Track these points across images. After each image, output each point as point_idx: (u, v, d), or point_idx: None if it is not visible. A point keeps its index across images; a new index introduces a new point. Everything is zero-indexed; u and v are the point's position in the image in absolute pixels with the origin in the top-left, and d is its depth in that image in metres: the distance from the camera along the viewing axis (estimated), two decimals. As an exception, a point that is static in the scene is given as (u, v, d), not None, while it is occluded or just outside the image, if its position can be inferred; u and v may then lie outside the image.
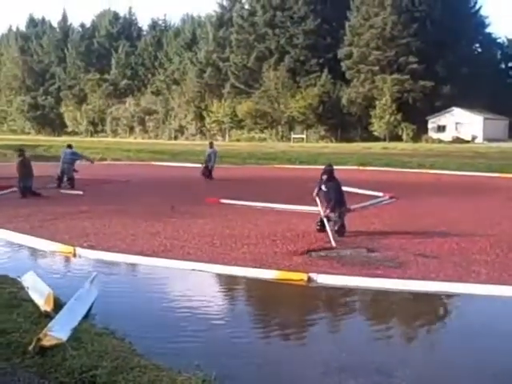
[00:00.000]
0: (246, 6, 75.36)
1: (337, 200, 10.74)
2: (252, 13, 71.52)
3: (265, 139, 66.51)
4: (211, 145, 24.66)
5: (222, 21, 75.92)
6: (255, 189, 19.70)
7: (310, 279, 7.76)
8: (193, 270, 8.41)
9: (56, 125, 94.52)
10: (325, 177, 11.03)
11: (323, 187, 10.98)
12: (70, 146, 21.04)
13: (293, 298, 7.82)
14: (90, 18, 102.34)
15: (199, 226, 11.86)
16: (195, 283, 8.19)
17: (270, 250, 9.50)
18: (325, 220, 10.56)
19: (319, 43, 66.54)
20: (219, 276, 8.46)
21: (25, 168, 17.25)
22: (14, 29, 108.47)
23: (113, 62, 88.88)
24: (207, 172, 23.23)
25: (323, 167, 11.51)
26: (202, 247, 9.79)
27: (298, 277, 7.81)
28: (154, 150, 46.83)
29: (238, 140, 67.37)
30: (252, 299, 7.98)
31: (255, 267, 8.31)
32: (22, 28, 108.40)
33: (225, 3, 78.48)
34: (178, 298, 7.42)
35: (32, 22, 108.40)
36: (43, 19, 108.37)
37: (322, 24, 66.22)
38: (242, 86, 70.41)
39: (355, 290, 7.67)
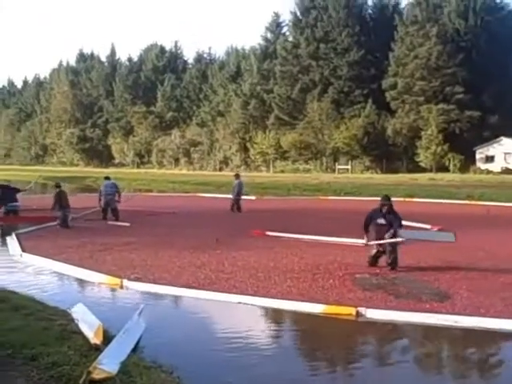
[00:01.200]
0: (290, 39, 76.10)
1: (395, 232, 10.53)
2: (296, 45, 72.13)
3: (309, 170, 66.42)
4: (237, 176, 24.54)
5: (266, 53, 76.77)
6: (300, 221, 19.62)
7: (358, 314, 7.65)
8: (239, 302, 8.39)
9: (104, 156, 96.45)
10: (385, 209, 10.81)
11: (381, 220, 10.72)
12: (108, 178, 21.19)
13: (340, 332, 7.70)
14: (138, 52, 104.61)
15: (244, 259, 11.85)
16: (242, 317, 8.16)
17: (316, 284, 9.42)
18: (388, 241, 10.32)
19: (363, 74, 66.57)
20: (266, 309, 8.42)
21: (61, 200, 17.73)
22: (65, 63, 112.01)
23: (159, 94, 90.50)
24: (234, 204, 23.03)
25: (380, 199, 11.27)
26: (247, 280, 9.77)
27: (346, 311, 7.71)
28: (199, 182, 47.25)
29: (282, 171, 67.45)
30: (299, 333, 7.88)
31: (302, 301, 8.24)
32: (72, 63, 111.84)
33: (269, 36, 79.50)
34: (225, 331, 7.39)
35: (82, 57, 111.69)
36: (92, 54, 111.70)
37: (366, 55, 66.32)
38: (286, 118, 70.71)
39: (404, 325, 7.52)
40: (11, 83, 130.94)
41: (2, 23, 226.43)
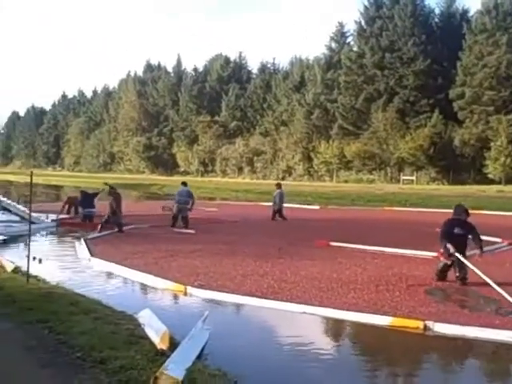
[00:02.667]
0: (355, 48, 75.46)
1: (466, 245, 10.25)
2: (360, 55, 71.51)
3: (373, 180, 65.63)
4: (279, 186, 24.56)
5: (330, 63, 76.40)
6: (364, 231, 19.39)
7: (426, 327, 7.48)
8: (303, 312, 8.34)
9: (169, 165, 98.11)
10: (463, 218, 10.54)
11: (458, 230, 10.44)
12: (185, 184, 21.30)
13: (407, 346, 7.53)
14: (203, 63, 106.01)
15: (307, 269, 11.80)
16: (306, 327, 8.11)
17: (381, 296, 9.27)
18: (461, 257, 10.03)
19: (429, 84, 65.29)
20: (330, 320, 8.34)
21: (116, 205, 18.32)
22: (133, 74, 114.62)
23: (223, 104, 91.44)
24: (275, 214, 23.20)
25: (454, 208, 10.99)
26: (309, 290, 9.71)
27: (414, 324, 7.55)
28: (262, 191, 47.40)
29: (346, 181, 66.91)
30: (364, 346, 7.75)
31: (368, 312, 8.12)
32: (140, 73, 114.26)
33: (333, 45, 79.12)
34: (288, 341, 7.35)
35: (149, 68, 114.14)
36: (159, 64, 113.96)
37: (433, 64, 65.03)
38: (350, 127, 70.14)
39: (473, 341, 7.29)
40: (81, 93, 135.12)
41: (75, 37, 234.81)
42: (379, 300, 8.97)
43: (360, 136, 68.44)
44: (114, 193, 18.98)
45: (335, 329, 8.29)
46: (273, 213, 23.31)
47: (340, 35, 79.12)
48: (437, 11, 71.84)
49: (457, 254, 10.05)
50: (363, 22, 73.60)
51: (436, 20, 71.87)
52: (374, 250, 14.50)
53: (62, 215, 22.07)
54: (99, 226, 18.10)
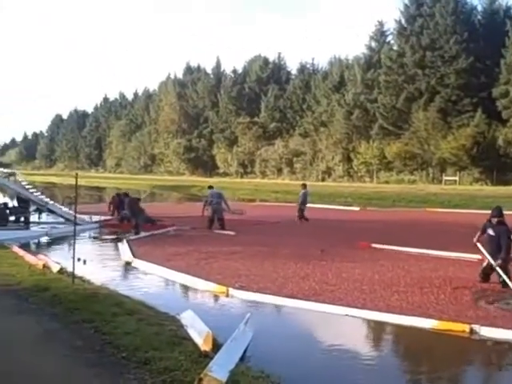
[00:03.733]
0: (395, 47, 74.55)
1: (508, 247, 10.06)
2: (401, 54, 70.64)
3: (415, 181, 64.74)
4: (304, 186, 24.45)
5: (370, 63, 75.67)
6: (407, 233, 19.16)
7: (472, 331, 7.34)
8: (346, 315, 8.29)
9: (208, 166, 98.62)
10: (495, 220, 10.37)
11: (490, 231, 10.30)
12: (211, 187, 21.54)
13: (452, 350, 7.41)
14: (242, 64, 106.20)
15: (348, 271, 11.73)
16: (349, 329, 8.06)
17: (425, 298, 9.15)
18: (498, 269, 9.90)
19: (472, 82, 64.08)
20: (373, 323, 8.26)
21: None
22: (172, 76, 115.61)
23: (262, 105, 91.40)
24: (300, 214, 23.06)
25: (490, 211, 10.85)
26: (351, 292, 9.65)
27: (459, 328, 7.42)
28: (302, 192, 47.22)
29: (386, 182, 66.19)
30: (408, 349, 7.67)
31: (413, 315, 8.02)
32: (180, 75, 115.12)
33: (373, 45, 78.32)
34: (332, 343, 7.32)
35: (188, 70, 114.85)
36: (199, 66, 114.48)
37: (475, 62, 63.81)
38: (391, 127, 69.36)
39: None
40: (123, 96, 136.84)
41: (117, 40, 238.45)
42: (424, 303, 8.85)
43: (401, 136, 67.65)
44: (131, 199, 19.56)
45: (378, 332, 8.21)
46: (300, 212, 23.31)
47: (380, 34, 78.34)
48: (479, 8, 70.45)
49: (488, 257, 10.03)
50: (403, 21, 72.72)
51: (478, 17, 70.47)
52: (416, 252, 14.32)
53: (108, 216, 22.45)
54: (134, 229, 18.47)
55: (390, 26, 77.06)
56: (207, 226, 19.55)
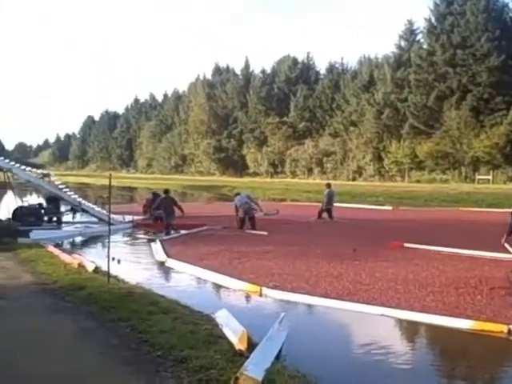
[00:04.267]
0: (425, 46, 73.74)
1: None
2: (431, 52, 69.86)
3: (447, 180, 63.94)
4: (328, 186, 24.61)
5: (399, 61, 75.00)
6: (440, 232, 18.94)
7: (510, 332, 7.22)
8: (381, 315, 8.22)
9: (238, 166, 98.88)
10: None
11: None
12: (238, 194, 21.52)
13: (489, 351, 7.30)
14: (271, 64, 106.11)
15: (382, 270, 11.63)
16: (384, 329, 7.98)
17: (462, 299, 9.02)
18: None
19: (504, 80, 63.06)
20: (409, 323, 8.18)
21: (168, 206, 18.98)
22: (202, 77, 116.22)
23: (291, 105, 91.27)
24: (323, 212, 23.27)
25: None
26: (386, 292, 9.56)
27: (497, 328, 7.31)
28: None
29: (418, 181, 65.50)
30: (444, 350, 7.56)
31: (449, 316, 7.91)
32: (209, 76, 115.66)
33: (402, 44, 77.58)
34: (367, 343, 7.26)
35: (217, 71, 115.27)
36: (227, 67, 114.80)
37: (507, 60, 62.77)
38: (422, 126, 68.66)
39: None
40: (153, 97, 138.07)
41: (147, 41, 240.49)
42: (460, 303, 8.72)
43: (432, 135, 66.93)
44: (168, 197, 19.76)
45: (414, 332, 8.12)
46: (320, 211, 23.47)
47: (409, 33, 77.59)
48: (511, 5, 69.46)
49: None
50: (433, 19, 71.89)
51: (510, 15, 69.39)
52: (450, 251, 14.13)
53: (141, 216, 22.66)
54: (165, 229, 18.62)
55: (420, 24, 76.28)
56: (239, 227, 19.61)
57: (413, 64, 71.29)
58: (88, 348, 6.43)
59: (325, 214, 23.25)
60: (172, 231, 18.68)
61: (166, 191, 20.23)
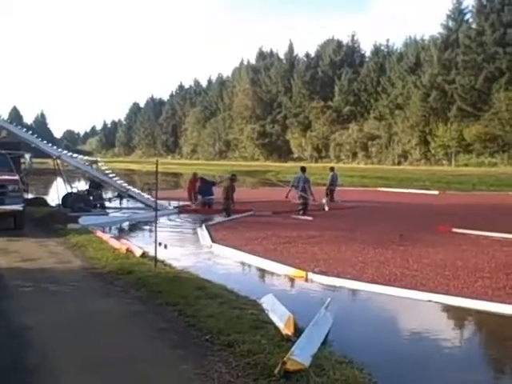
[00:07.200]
0: (474, 26, 72.02)
1: None
2: (480, 32, 68.22)
3: (496, 164, 62.54)
4: (332, 169, 25.48)
5: (447, 42, 73.47)
6: (488, 217, 18.58)
7: None
8: (429, 300, 8.12)
9: (282, 151, 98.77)
10: None
11: None
12: (304, 170, 21.16)
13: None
14: (315, 48, 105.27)
15: (429, 256, 11.49)
16: (431, 315, 7.89)
17: (511, 284, 8.83)
18: None
19: (557, 60, 61.33)
20: (458, 309, 8.05)
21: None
22: (246, 62, 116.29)
23: (336, 89, 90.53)
24: (329, 194, 23.96)
25: None
26: (434, 278, 9.43)
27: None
28: (378, 176, 46.60)
29: (465, 165, 64.26)
30: (494, 337, 7.43)
31: (500, 302, 7.76)
32: (253, 61, 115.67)
33: (450, 24, 75.91)
34: (414, 329, 7.20)
35: (261, 55, 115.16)
36: (271, 52, 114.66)
37: (560, 38, 61.03)
38: (470, 109, 67.27)
39: None
40: (197, 83, 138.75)
41: (190, 28, 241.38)
42: (510, 289, 8.54)
43: (480, 117, 65.49)
44: (232, 180, 19.77)
45: (463, 318, 8.00)
46: (326, 193, 24.02)
47: (457, 13, 75.80)
48: None
49: None
50: (483, -2, 70.02)
51: None
52: (500, 236, 13.87)
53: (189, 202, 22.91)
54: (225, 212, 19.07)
55: (469, 3, 74.50)
56: (302, 213, 19.42)
57: (461, 45, 69.76)
58: (137, 332, 6.55)
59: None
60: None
61: (233, 177, 20.48)
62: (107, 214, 20.25)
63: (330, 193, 24.23)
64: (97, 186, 21.31)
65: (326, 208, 21.38)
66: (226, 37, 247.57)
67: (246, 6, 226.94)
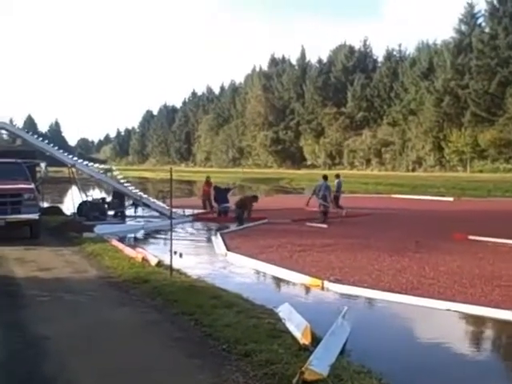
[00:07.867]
0: (487, 30, 71.64)
1: None
2: (493, 36, 67.84)
3: (511, 170, 62.05)
4: (337, 176, 24.44)
5: (459, 47, 73.08)
6: (505, 224, 18.41)
7: None
8: (448, 309, 8.05)
9: (296, 158, 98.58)
10: None
11: None
12: (325, 178, 21.19)
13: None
14: (327, 54, 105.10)
15: (446, 264, 11.41)
16: (450, 324, 7.82)
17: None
18: None
19: None
20: (476, 318, 7.98)
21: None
22: (258, 69, 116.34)
23: (349, 95, 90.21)
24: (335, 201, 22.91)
25: None
26: (451, 286, 9.37)
27: None
28: (392, 183, 46.40)
29: (480, 171, 63.76)
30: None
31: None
32: (265, 67, 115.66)
33: (463, 28, 75.51)
34: (432, 339, 7.13)
35: (273, 62, 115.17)
36: (283, 58, 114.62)
37: None
38: (484, 114, 66.83)
39: None
40: (210, 90, 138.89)
41: (203, 35, 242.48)
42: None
43: (495, 122, 65.03)
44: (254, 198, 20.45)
45: (481, 327, 7.93)
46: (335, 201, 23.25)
47: (470, 17, 75.41)
48: None
49: None
50: (495, 1, 69.64)
51: None
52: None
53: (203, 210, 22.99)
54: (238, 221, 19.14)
55: (481, 7, 74.01)
56: (322, 221, 19.35)
57: (474, 49, 69.39)
58: (153, 341, 6.53)
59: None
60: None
61: (254, 197, 20.86)
62: (123, 222, 20.31)
63: (335, 199, 23.87)
64: (120, 194, 21.36)
65: (344, 212, 21.33)
66: (239, 44, 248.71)
67: (259, 13, 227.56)
